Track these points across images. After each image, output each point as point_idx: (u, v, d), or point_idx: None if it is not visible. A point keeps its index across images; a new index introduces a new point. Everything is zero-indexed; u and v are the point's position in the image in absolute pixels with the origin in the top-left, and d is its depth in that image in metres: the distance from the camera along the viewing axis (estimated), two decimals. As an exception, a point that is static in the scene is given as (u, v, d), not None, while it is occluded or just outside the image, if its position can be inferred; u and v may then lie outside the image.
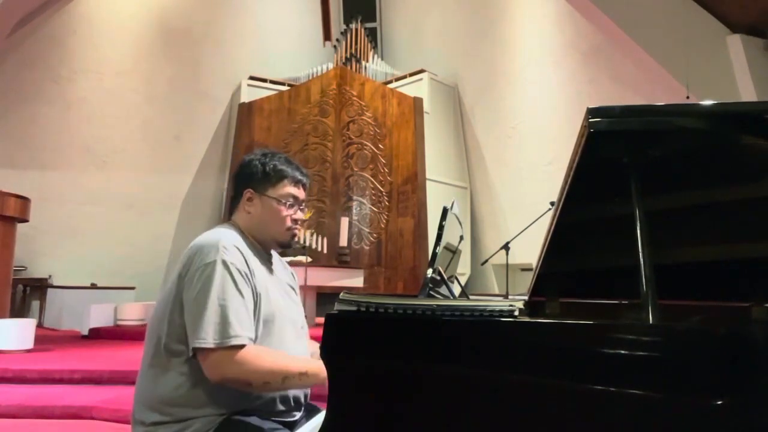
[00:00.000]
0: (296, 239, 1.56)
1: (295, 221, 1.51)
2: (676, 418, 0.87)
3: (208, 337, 1.25)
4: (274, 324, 1.39)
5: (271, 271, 1.51)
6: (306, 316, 1.64)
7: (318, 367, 1.33)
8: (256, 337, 1.35)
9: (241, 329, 1.28)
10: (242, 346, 1.27)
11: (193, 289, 1.31)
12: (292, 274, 1.67)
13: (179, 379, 1.31)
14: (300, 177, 1.52)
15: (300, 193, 1.52)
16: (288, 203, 1.49)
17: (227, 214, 1.57)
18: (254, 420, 1.31)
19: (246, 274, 1.34)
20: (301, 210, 1.53)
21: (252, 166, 1.50)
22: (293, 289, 1.62)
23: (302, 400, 1.46)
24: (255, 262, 1.41)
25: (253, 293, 1.35)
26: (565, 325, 0.98)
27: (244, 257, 1.36)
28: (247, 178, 1.50)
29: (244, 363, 1.27)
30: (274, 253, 1.57)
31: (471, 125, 9.38)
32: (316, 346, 1.55)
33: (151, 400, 1.33)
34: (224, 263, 1.31)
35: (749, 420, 0.85)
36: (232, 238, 1.39)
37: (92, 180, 8.24)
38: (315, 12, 9.98)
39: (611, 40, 6.45)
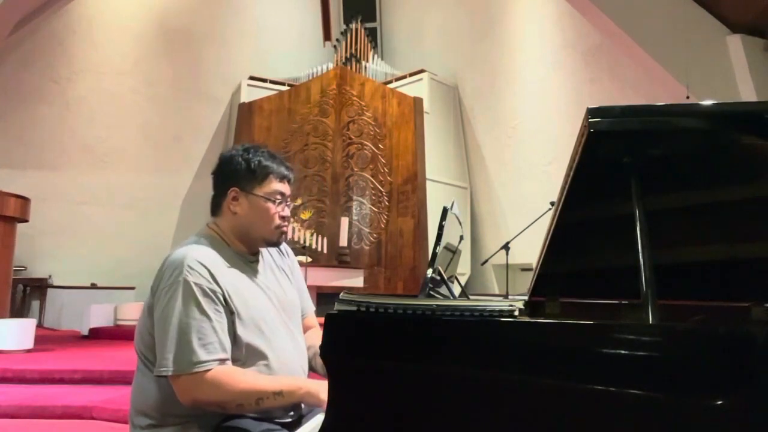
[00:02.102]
0: (285, 236, 1.50)
1: (283, 218, 1.45)
2: (676, 418, 0.87)
3: (168, 365, 1.23)
4: (262, 332, 1.35)
5: (254, 273, 1.44)
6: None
7: (294, 385, 1.30)
8: (243, 351, 1.31)
9: (206, 353, 1.24)
10: (208, 371, 1.23)
11: (158, 310, 1.28)
12: (288, 253, 1.61)
13: (166, 387, 1.29)
14: (285, 172, 1.46)
15: (286, 189, 1.46)
16: (276, 201, 1.43)
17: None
18: (250, 423, 1.29)
19: (213, 292, 1.29)
20: (288, 206, 1.47)
21: (234, 162, 1.43)
22: (290, 274, 1.57)
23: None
24: (229, 273, 1.35)
25: (225, 309, 1.30)
26: (565, 325, 0.98)
27: (210, 273, 1.30)
28: (230, 175, 1.43)
29: (215, 386, 1.24)
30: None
31: (471, 125, 9.38)
32: (314, 341, 1.54)
33: (143, 405, 1.33)
34: (186, 284, 1.26)
35: (749, 420, 0.85)
36: (198, 252, 1.33)
37: (92, 180, 8.24)
38: (315, 12, 9.99)
39: (611, 40, 6.45)
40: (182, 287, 1.26)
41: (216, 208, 1.47)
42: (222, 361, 1.26)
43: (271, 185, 1.43)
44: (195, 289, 1.27)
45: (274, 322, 1.40)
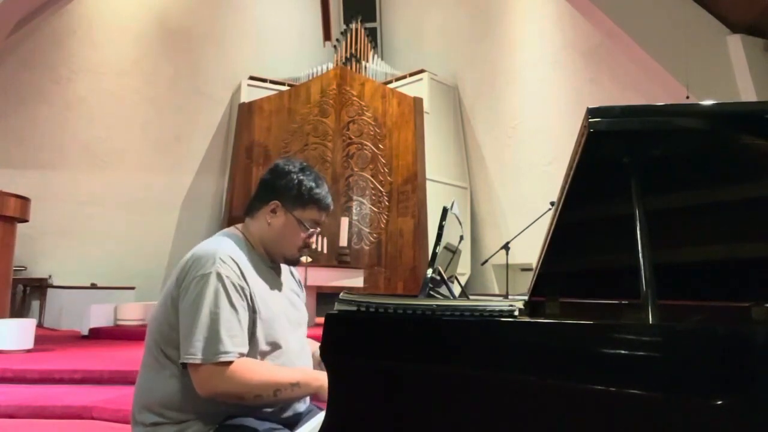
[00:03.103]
0: (301, 259, 1.55)
1: (308, 244, 1.50)
2: (676, 418, 0.87)
3: (197, 352, 1.25)
4: (276, 335, 1.38)
5: (274, 278, 1.49)
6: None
7: (311, 377, 1.34)
8: (259, 351, 1.34)
9: (232, 345, 1.27)
10: (231, 362, 1.26)
11: (187, 299, 1.30)
12: (298, 280, 1.67)
13: (176, 382, 1.31)
14: (328, 204, 1.51)
15: (322, 218, 1.51)
16: (309, 229, 1.48)
17: (243, 213, 1.53)
18: (252, 422, 1.31)
19: (241, 288, 1.32)
20: (317, 233, 1.52)
21: (289, 179, 1.46)
22: (298, 288, 1.62)
23: (303, 409, 1.45)
24: (254, 274, 1.39)
25: (249, 307, 1.34)
26: (565, 325, 0.98)
27: (240, 269, 1.34)
28: (279, 189, 1.46)
29: (235, 378, 1.26)
30: None
31: (471, 125, 9.38)
32: (316, 346, 1.56)
33: (149, 401, 1.34)
34: (219, 276, 1.30)
35: (749, 420, 0.85)
36: (230, 248, 1.37)
37: (92, 180, 8.24)
38: (315, 12, 9.98)
39: (611, 40, 6.45)
40: (215, 278, 1.29)
41: (252, 210, 1.50)
42: (242, 355, 1.30)
43: (312, 213, 1.48)
44: (226, 281, 1.30)
45: (287, 326, 1.44)
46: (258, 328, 1.34)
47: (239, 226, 1.52)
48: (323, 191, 1.49)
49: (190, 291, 1.30)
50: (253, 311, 1.34)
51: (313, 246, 1.55)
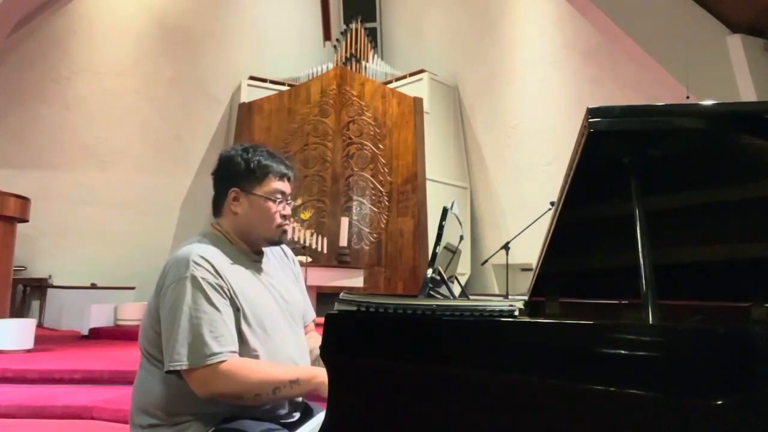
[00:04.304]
0: (287, 235, 1.51)
1: (284, 217, 1.46)
2: (676, 418, 0.87)
3: (182, 358, 1.23)
4: (265, 330, 1.36)
5: (258, 271, 1.45)
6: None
7: (310, 373, 1.31)
8: (249, 348, 1.32)
9: (218, 345, 1.24)
10: (224, 362, 1.24)
11: (165, 306, 1.28)
12: (293, 260, 1.63)
13: (171, 384, 1.29)
14: (285, 170, 1.47)
15: (286, 187, 1.47)
16: (277, 200, 1.44)
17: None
18: (250, 422, 1.30)
19: (219, 286, 1.30)
20: (288, 204, 1.48)
21: (234, 163, 1.44)
22: (295, 276, 1.58)
23: (300, 399, 1.44)
24: (232, 270, 1.36)
25: (232, 304, 1.31)
26: (565, 325, 0.98)
27: (215, 268, 1.31)
28: (230, 176, 1.44)
29: (232, 377, 1.24)
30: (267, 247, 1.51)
31: (471, 125, 9.38)
32: (315, 341, 1.54)
33: (146, 403, 1.33)
34: (194, 279, 1.27)
35: (749, 420, 0.85)
36: (203, 249, 1.34)
37: (92, 180, 8.24)
38: (315, 12, 9.99)
39: (611, 40, 6.45)
40: (190, 282, 1.27)
41: (217, 208, 1.48)
42: (233, 353, 1.27)
43: (271, 184, 1.44)
44: (203, 283, 1.28)
45: (277, 321, 1.41)
46: (243, 326, 1.32)
47: (215, 224, 1.48)
48: (274, 161, 1.45)
49: (167, 298, 1.28)
50: (236, 309, 1.32)
51: (289, 221, 1.50)
